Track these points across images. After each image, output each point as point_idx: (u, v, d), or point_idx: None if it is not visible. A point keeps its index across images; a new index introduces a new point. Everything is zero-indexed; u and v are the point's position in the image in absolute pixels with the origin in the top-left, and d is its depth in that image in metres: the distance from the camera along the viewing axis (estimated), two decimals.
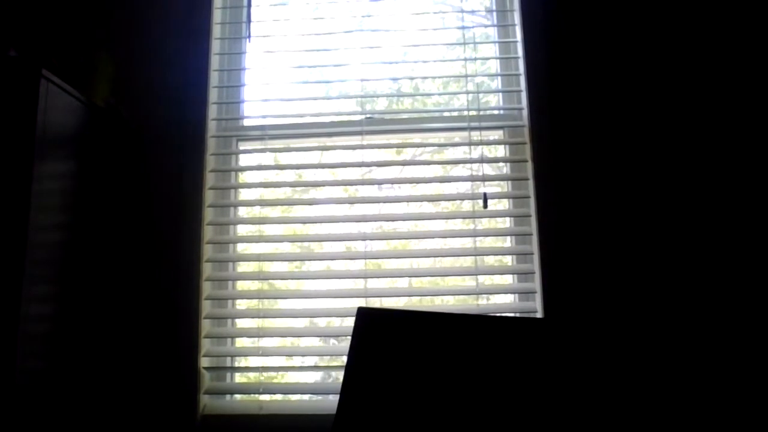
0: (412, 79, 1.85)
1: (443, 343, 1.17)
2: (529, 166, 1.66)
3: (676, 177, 1.59)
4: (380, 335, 1.19)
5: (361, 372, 1.16)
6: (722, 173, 1.58)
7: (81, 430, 1.39)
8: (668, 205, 1.58)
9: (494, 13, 1.83)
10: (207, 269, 1.67)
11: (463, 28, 1.80)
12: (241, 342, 1.69)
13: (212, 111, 1.76)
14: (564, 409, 1.08)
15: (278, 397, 1.65)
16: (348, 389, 1.15)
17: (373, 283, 1.65)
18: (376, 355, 1.17)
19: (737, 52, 1.63)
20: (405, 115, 1.81)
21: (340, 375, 1.64)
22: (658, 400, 1.44)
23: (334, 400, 1.60)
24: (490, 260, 1.72)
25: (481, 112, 1.73)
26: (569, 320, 1.24)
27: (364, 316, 1.23)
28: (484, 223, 1.70)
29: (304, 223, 1.74)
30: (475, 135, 1.72)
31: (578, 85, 1.66)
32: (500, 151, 1.79)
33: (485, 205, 1.65)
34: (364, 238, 1.67)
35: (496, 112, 1.78)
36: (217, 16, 1.82)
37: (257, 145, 1.79)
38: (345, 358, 1.51)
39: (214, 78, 1.78)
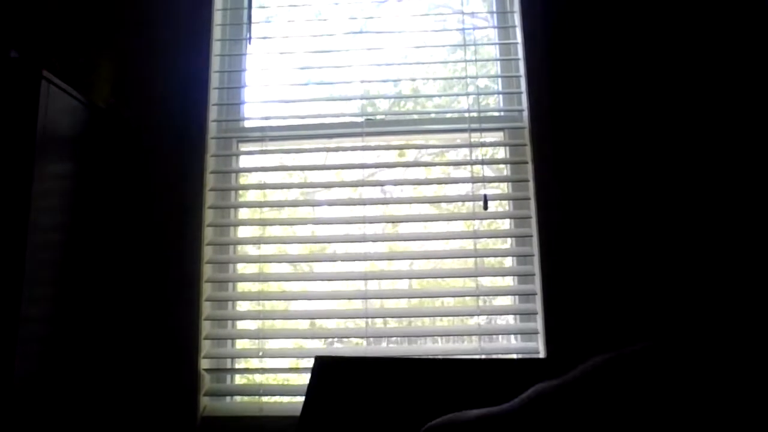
0: (413, 80, 1.85)
1: (409, 391, 1.09)
2: (530, 167, 1.66)
3: (676, 176, 1.59)
4: (339, 384, 1.11)
5: (316, 424, 1.10)
6: (725, 177, 1.58)
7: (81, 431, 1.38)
8: (669, 205, 1.58)
9: (495, 15, 1.83)
10: (207, 271, 1.67)
11: (463, 30, 1.80)
12: (242, 344, 1.69)
13: (213, 112, 1.76)
14: None
15: (279, 398, 1.64)
16: None
17: (374, 285, 1.65)
18: (333, 407, 1.10)
19: (739, 52, 1.64)
20: (405, 117, 1.81)
21: None
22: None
23: None
24: (491, 261, 1.72)
25: (482, 114, 1.74)
26: (556, 362, 1.14)
27: (322, 365, 1.14)
28: (485, 225, 1.70)
29: (304, 224, 1.74)
30: (476, 137, 1.72)
31: (578, 87, 1.66)
32: (500, 152, 1.79)
33: (485, 207, 1.65)
34: (364, 239, 1.67)
35: (496, 113, 1.78)
36: (217, 17, 1.82)
37: (258, 146, 1.79)
38: None
39: (214, 79, 1.78)
